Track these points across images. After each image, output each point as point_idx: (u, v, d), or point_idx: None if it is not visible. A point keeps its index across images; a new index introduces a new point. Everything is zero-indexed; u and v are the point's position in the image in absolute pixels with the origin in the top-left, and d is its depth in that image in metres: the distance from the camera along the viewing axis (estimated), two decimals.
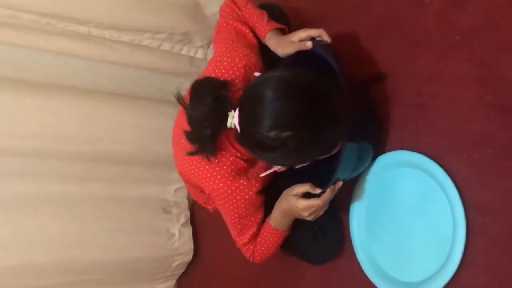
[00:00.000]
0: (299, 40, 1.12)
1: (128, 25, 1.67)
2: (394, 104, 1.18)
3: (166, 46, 1.77)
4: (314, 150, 0.99)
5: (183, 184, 1.81)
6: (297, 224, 1.19)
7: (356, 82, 1.23)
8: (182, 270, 2.00)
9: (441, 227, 1.03)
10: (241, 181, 1.10)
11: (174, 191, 1.96)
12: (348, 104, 1.00)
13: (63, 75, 1.67)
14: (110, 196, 1.81)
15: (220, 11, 1.30)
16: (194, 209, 2.00)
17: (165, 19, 1.71)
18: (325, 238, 1.25)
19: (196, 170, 1.13)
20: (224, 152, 1.09)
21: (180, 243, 1.93)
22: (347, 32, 1.32)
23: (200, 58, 1.85)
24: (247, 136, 0.98)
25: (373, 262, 1.18)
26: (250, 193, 1.12)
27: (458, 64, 1.05)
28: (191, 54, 1.84)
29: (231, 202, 1.12)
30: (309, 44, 1.10)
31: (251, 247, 1.20)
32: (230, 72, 1.13)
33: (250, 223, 1.17)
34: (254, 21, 1.22)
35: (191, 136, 1.06)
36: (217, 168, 1.09)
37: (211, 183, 1.11)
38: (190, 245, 1.96)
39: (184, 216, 1.98)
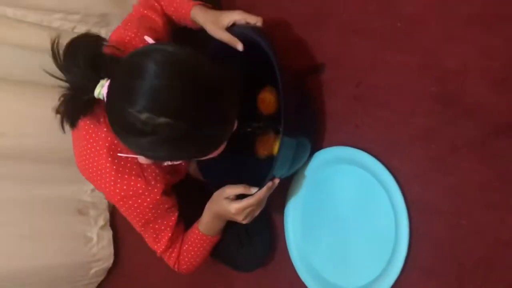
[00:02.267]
0: (233, 22, 1.01)
1: (35, 3, 1.48)
2: (332, 96, 1.10)
3: (81, 28, 1.59)
4: (188, 148, 0.83)
5: None
6: (224, 233, 1.08)
7: (291, 72, 1.14)
8: (102, 278, 1.85)
9: (382, 229, 0.96)
10: (138, 185, 0.96)
11: (92, 191, 1.80)
12: (286, 96, 0.91)
13: None
14: (18, 197, 1.63)
15: (136, 3, 1.14)
16: (115, 210, 1.84)
17: None
18: (251, 243, 1.16)
19: (89, 171, 0.98)
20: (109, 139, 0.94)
21: (98, 248, 1.79)
22: (280, 19, 1.22)
23: None
24: (115, 112, 0.81)
25: (310, 267, 1.10)
26: (152, 195, 0.98)
27: (400, 53, 0.99)
28: None
29: (132, 208, 0.99)
30: (240, 47, 0.99)
31: (174, 254, 1.07)
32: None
33: (162, 227, 1.04)
34: (175, 5, 1.08)
35: (61, 98, 0.88)
36: (107, 169, 0.95)
37: (106, 189, 0.97)
38: (110, 250, 1.81)
39: (103, 218, 1.82)
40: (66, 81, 0.86)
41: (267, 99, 1.14)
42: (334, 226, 1.06)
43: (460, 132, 0.88)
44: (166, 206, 1.02)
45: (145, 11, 1.07)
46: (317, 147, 1.10)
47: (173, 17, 1.11)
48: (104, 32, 1.63)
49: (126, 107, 0.76)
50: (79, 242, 1.75)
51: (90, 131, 0.95)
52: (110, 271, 1.86)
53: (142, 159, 0.90)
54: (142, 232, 1.05)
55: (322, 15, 1.14)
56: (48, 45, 1.53)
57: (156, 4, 1.09)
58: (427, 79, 0.94)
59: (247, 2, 1.35)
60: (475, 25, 0.88)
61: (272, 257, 1.21)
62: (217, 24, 1.02)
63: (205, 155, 0.88)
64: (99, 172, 0.96)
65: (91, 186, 1.78)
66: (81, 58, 0.84)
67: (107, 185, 0.96)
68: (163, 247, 1.06)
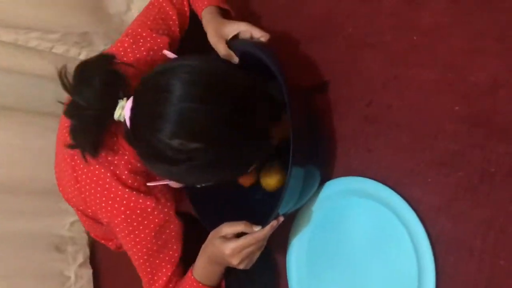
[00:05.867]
0: (236, 33, 0.91)
1: (10, 21, 1.39)
2: (340, 117, 0.99)
3: (60, 49, 1.52)
4: (224, 170, 0.81)
5: None
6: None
7: (298, 93, 1.03)
8: None
9: (403, 271, 0.83)
10: (147, 203, 0.87)
11: (71, 225, 1.69)
12: (295, 121, 0.80)
13: None
14: None
15: None
16: (95, 246, 1.72)
17: (58, 16, 1.45)
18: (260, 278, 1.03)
19: (86, 190, 0.89)
20: (116, 158, 0.88)
21: (76, 287, 1.68)
22: (282, 33, 1.13)
23: None
24: (141, 138, 0.77)
25: None
26: (161, 215, 0.89)
27: (417, 68, 0.88)
28: None
29: (137, 231, 0.88)
30: (235, 60, 0.91)
31: None
32: (130, 54, 0.93)
33: (164, 263, 0.91)
34: None
35: (72, 129, 0.83)
36: (112, 183, 0.87)
37: (108, 207, 0.87)
38: None
39: (82, 254, 1.71)
40: (75, 104, 0.81)
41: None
42: (345, 269, 0.93)
43: (492, 157, 0.77)
44: (173, 233, 0.92)
45: (165, 4, 1.00)
46: (326, 175, 0.98)
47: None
48: (85, 54, 1.56)
49: (155, 134, 0.72)
50: (55, 282, 1.63)
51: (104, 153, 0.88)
52: None
53: (173, 184, 0.88)
54: (140, 268, 0.92)
55: (328, 28, 1.05)
56: (22, 67, 1.47)
57: None
58: (449, 96, 0.83)
59: (245, 14, 1.27)
60: (503, 36, 0.79)
61: None
62: (218, 32, 0.92)
63: (241, 175, 0.88)
64: (99, 189, 0.88)
65: (70, 219, 1.69)
66: (96, 78, 0.80)
67: (112, 204, 0.87)
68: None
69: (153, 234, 0.89)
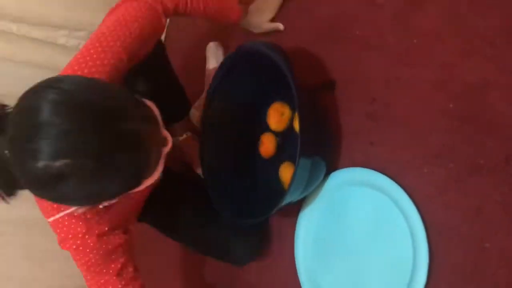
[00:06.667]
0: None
1: (41, 19, 1.46)
2: (345, 113, 1.06)
3: None
4: (110, 182, 0.71)
5: None
6: (217, 223, 1.08)
7: (306, 90, 1.11)
8: None
9: (400, 254, 0.91)
10: (78, 229, 0.87)
11: None
12: (303, 116, 0.87)
13: None
14: None
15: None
16: None
17: (85, 15, 1.52)
18: (245, 232, 1.14)
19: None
20: None
21: None
22: (292, 34, 1.20)
23: None
24: (21, 168, 0.68)
25: None
26: (93, 237, 0.89)
27: (416, 69, 0.95)
28: None
29: (75, 254, 0.90)
30: (281, 27, 1.19)
31: None
32: (94, 70, 0.84)
33: (106, 277, 0.93)
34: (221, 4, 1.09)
35: None
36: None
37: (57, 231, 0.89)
38: None
39: None
40: None
41: (280, 115, 1.10)
42: (348, 251, 1.01)
43: (481, 151, 0.84)
44: (110, 247, 0.91)
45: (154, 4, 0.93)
46: (331, 166, 1.06)
47: (210, 14, 1.06)
48: None
49: (28, 159, 0.65)
50: None
51: None
52: None
53: (80, 210, 0.81)
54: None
55: (334, 31, 1.12)
56: (52, 62, 1.49)
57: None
58: (445, 95, 0.90)
59: None
60: (494, 40, 0.85)
61: (281, 281, 1.15)
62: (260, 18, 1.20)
63: (138, 184, 0.76)
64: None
65: None
66: None
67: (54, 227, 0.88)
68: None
69: (91, 256, 0.89)
